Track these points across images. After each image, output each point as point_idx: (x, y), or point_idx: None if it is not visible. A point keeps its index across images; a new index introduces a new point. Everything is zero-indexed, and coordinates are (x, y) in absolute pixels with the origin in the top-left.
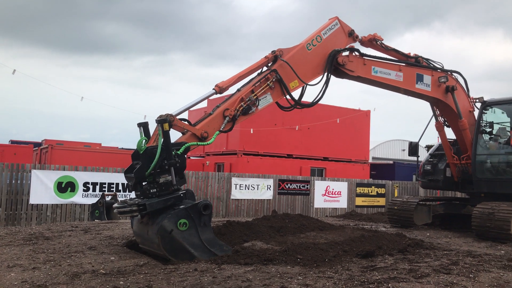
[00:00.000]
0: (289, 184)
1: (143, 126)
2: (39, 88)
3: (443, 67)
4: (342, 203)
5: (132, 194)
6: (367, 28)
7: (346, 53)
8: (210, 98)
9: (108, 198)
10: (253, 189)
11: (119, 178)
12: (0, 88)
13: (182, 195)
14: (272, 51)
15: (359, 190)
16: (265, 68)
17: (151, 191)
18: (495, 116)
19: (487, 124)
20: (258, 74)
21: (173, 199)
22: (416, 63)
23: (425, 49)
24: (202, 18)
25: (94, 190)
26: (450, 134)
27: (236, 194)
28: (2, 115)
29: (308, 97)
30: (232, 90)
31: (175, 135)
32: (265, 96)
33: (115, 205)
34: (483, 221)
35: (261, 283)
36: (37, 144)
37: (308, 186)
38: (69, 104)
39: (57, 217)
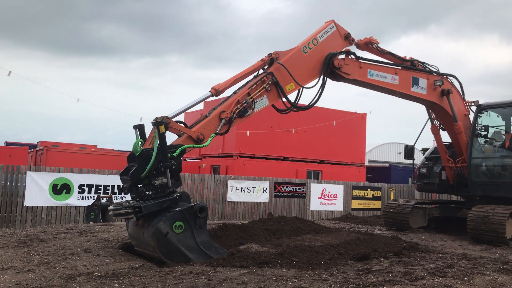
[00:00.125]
0: (285, 187)
1: (139, 128)
2: (35, 90)
3: (438, 70)
4: (338, 206)
5: (128, 196)
6: (364, 31)
7: (342, 56)
8: (207, 100)
9: (103, 200)
10: (249, 191)
11: (115, 180)
12: None
13: (177, 197)
14: (269, 54)
15: (355, 193)
16: (261, 71)
17: (147, 193)
18: (490, 119)
19: (482, 128)
20: (255, 77)
21: (169, 202)
22: (411, 66)
23: (421, 52)
24: (199, 20)
25: (89, 192)
26: (445, 137)
27: (232, 196)
28: None
29: (304, 100)
30: (228, 92)
31: (171, 137)
32: (261, 98)
33: (111, 207)
34: (478, 224)
35: (256, 285)
36: (32, 146)
37: (304, 189)
38: (65, 106)
39: (52, 219)
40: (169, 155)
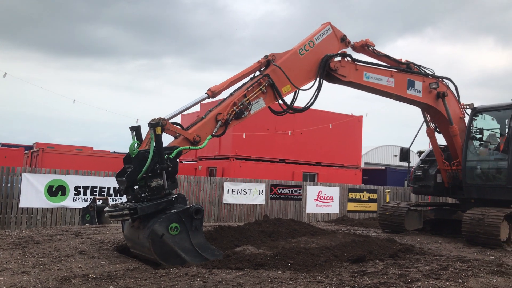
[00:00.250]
0: (281, 189)
1: (135, 129)
2: (31, 91)
3: (434, 73)
4: (334, 208)
5: (124, 198)
6: (360, 34)
7: (338, 58)
8: (203, 102)
9: (99, 202)
10: (245, 193)
11: (111, 182)
12: None
13: (173, 199)
14: (265, 56)
15: (351, 195)
16: (257, 73)
17: (143, 195)
18: (485, 122)
19: (477, 131)
20: (251, 79)
21: (165, 203)
22: (407, 69)
23: (417, 55)
24: (195, 22)
25: (85, 194)
26: (441, 140)
27: (228, 198)
28: None
29: (301, 102)
30: (224, 94)
31: (167, 139)
32: (257, 100)
33: (106, 208)
34: (473, 227)
35: (252, 287)
36: (28, 147)
37: (300, 191)
38: (61, 108)
39: (47, 221)
40: (165, 157)
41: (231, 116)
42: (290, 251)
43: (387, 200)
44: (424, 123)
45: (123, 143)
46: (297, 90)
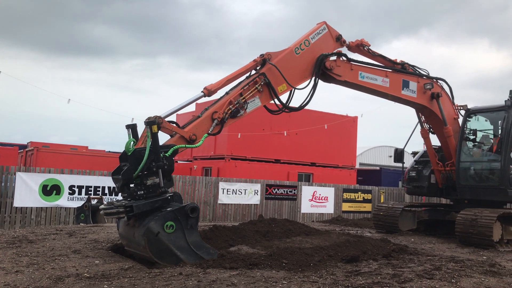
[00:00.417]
0: (276, 189)
1: (132, 128)
2: (26, 90)
3: (428, 74)
4: (329, 208)
5: (119, 197)
6: (356, 35)
7: (334, 57)
8: (199, 102)
9: (94, 202)
10: (240, 193)
11: (106, 182)
12: None
13: (169, 197)
14: (261, 55)
15: (346, 195)
16: (253, 72)
17: (138, 193)
18: (479, 123)
19: (471, 132)
20: (247, 78)
21: (160, 202)
22: (402, 69)
23: (413, 56)
24: (192, 22)
25: (80, 193)
26: (435, 141)
27: (223, 198)
28: None
29: (296, 103)
30: (220, 93)
31: (163, 138)
32: (253, 99)
33: (102, 206)
34: (466, 227)
35: (246, 287)
36: (22, 146)
37: (296, 191)
38: (56, 107)
39: (41, 221)
40: (161, 155)
41: (227, 115)
42: (285, 251)
43: (382, 201)
44: (419, 124)
45: (118, 143)
46: (293, 89)
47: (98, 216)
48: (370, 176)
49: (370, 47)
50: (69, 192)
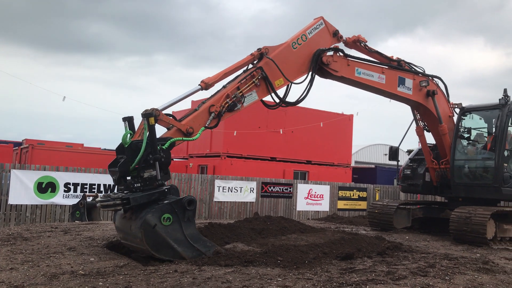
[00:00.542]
0: (272, 187)
1: (128, 120)
2: (21, 87)
3: (424, 71)
4: (324, 206)
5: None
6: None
7: (331, 53)
8: (195, 100)
9: (89, 199)
10: (236, 191)
11: (101, 179)
12: None
13: (166, 190)
14: (258, 49)
15: (341, 193)
16: (251, 66)
17: (135, 185)
18: (473, 121)
19: (466, 130)
20: (244, 71)
21: (157, 194)
22: (398, 66)
23: (408, 55)
24: (188, 20)
25: (75, 191)
26: (430, 139)
27: (219, 196)
28: None
29: (293, 98)
30: (218, 86)
31: (159, 131)
32: (250, 93)
33: (98, 199)
34: (460, 225)
35: (240, 284)
36: (17, 144)
37: (291, 189)
38: (51, 104)
39: (36, 218)
40: (158, 147)
41: (224, 108)
42: (280, 248)
43: (377, 199)
44: (414, 121)
45: (114, 140)
46: (290, 84)
47: (94, 213)
48: (365, 174)
49: (366, 43)
50: (64, 190)
